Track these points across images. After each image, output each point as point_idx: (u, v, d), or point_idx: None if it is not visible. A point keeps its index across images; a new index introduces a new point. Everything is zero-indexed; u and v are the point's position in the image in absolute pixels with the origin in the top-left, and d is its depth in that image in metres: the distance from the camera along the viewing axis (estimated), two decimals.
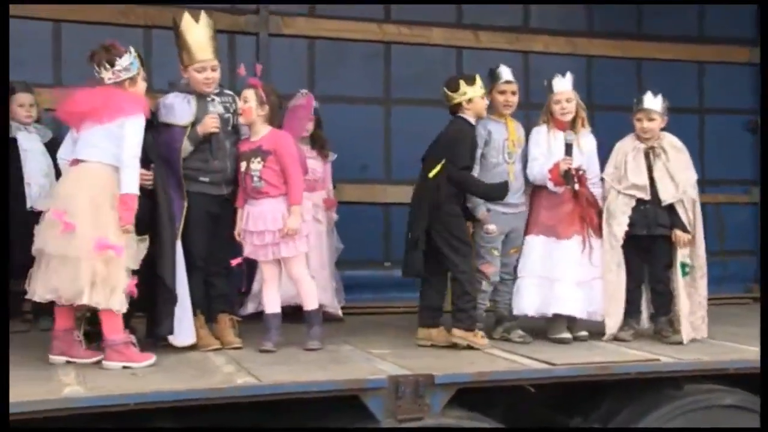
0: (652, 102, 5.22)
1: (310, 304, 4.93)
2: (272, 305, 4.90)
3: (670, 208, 5.18)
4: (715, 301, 7.01)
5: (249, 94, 4.79)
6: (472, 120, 5.04)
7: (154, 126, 4.77)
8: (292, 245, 4.78)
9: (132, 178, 4.34)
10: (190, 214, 4.80)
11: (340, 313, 6.01)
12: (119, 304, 4.26)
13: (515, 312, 5.22)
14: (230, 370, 4.24)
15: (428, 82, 7.06)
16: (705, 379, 4.72)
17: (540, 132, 5.27)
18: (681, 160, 5.26)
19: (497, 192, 5.02)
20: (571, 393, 4.68)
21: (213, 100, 4.90)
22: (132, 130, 4.37)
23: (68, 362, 4.32)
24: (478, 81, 5.03)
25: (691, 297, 5.20)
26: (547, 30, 7.43)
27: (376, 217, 6.89)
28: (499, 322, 5.28)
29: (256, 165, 4.74)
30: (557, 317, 5.18)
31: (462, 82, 5.00)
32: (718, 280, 7.45)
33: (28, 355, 4.49)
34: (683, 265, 5.20)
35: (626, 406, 4.59)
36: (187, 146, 4.78)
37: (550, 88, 5.26)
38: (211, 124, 4.79)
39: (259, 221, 4.75)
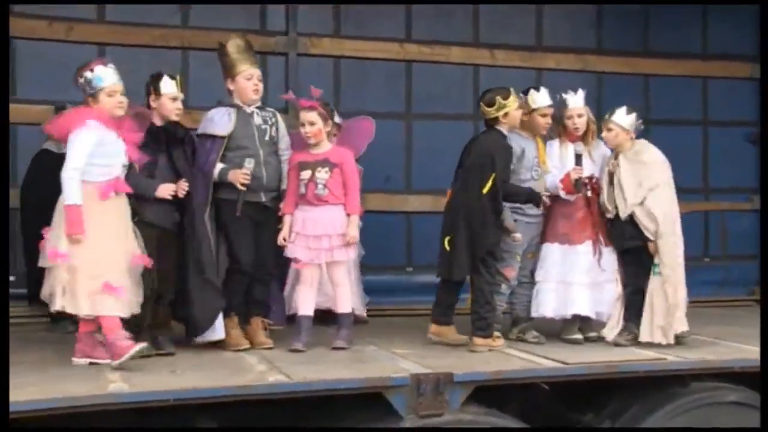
0: (615, 114, 5.11)
1: (344, 308, 4.95)
2: (306, 307, 4.90)
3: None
4: (719, 303, 7.02)
5: (312, 116, 4.79)
6: (506, 132, 5.04)
7: (183, 140, 4.81)
8: (344, 250, 4.82)
9: (70, 190, 4.21)
10: (231, 221, 4.83)
11: (365, 314, 6.01)
12: (88, 309, 4.20)
13: (534, 314, 5.22)
14: (262, 369, 4.27)
15: (447, 98, 7.11)
16: (710, 377, 4.69)
17: (552, 146, 5.29)
18: (633, 172, 5.03)
19: (536, 197, 5.04)
20: (583, 390, 4.67)
21: (253, 113, 4.92)
22: (72, 144, 4.26)
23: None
24: (513, 95, 5.00)
25: (659, 303, 4.96)
26: (558, 48, 7.41)
27: (398, 225, 6.90)
28: (515, 324, 5.28)
29: (323, 174, 4.77)
30: (570, 319, 5.17)
31: (498, 98, 4.96)
32: (721, 283, 7.44)
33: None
34: (654, 265, 5.02)
35: (635, 402, 4.58)
36: (215, 175, 4.78)
37: (563, 103, 5.25)
38: (242, 178, 4.74)
39: (318, 226, 4.77)
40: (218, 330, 4.77)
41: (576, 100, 5.22)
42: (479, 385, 4.18)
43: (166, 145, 4.76)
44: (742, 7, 7.26)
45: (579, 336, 5.16)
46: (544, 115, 5.19)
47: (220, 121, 4.85)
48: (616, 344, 5.01)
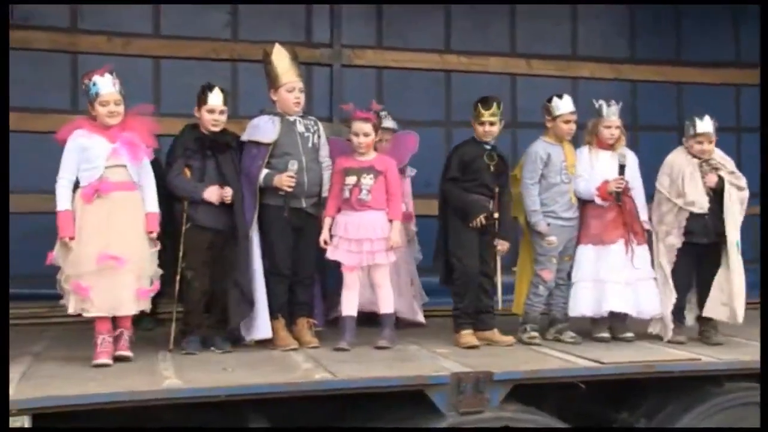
0: (709, 125, 5.13)
1: (386, 309, 4.94)
2: (350, 308, 4.89)
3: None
4: (753, 305, 6.85)
5: (368, 128, 4.83)
6: (476, 137, 5.06)
7: (229, 145, 4.82)
8: (385, 254, 4.83)
9: (58, 197, 4.27)
10: (273, 226, 4.84)
11: (419, 319, 5.81)
12: (72, 308, 4.24)
13: (572, 314, 5.18)
14: (309, 367, 4.27)
15: None
16: (744, 377, 4.60)
17: (582, 152, 5.27)
18: (732, 167, 5.20)
19: (476, 209, 4.92)
20: (619, 389, 4.61)
21: (295, 120, 4.94)
22: (63, 155, 4.31)
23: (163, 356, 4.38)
24: (481, 107, 5.00)
25: (726, 284, 5.04)
26: (593, 58, 7.35)
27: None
28: (552, 324, 5.23)
29: (368, 180, 4.80)
30: (600, 318, 5.14)
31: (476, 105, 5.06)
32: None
33: (135, 351, 4.56)
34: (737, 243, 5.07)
35: (670, 402, 4.51)
36: (260, 181, 4.80)
37: (600, 113, 5.23)
38: (286, 183, 4.76)
39: (360, 230, 4.79)
40: (263, 329, 4.77)
41: (615, 112, 5.22)
42: (518, 383, 4.16)
43: (211, 151, 4.78)
44: None
45: (606, 334, 5.12)
46: (567, 122, 5.17)
47: (264, 128, 4.87)
48: (671, 342, 4.98)
